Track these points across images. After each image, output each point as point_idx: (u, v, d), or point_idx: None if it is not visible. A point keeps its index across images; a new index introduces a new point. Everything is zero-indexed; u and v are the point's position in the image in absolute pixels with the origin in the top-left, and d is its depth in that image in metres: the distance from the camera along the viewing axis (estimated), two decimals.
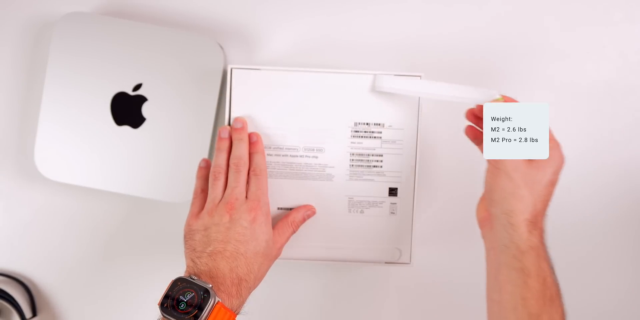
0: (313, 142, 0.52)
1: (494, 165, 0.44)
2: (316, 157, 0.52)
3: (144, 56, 0.54)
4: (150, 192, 0.54)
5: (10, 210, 0.58)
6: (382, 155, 0.52)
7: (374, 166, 0.52)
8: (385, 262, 0.52)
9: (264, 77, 0.51)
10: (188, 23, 0.57)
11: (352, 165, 0.52)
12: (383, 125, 0.52)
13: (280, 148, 0.52)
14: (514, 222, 0.42)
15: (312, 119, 0.52)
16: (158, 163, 0.54)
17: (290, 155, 0.52)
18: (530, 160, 0.43)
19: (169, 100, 0.54)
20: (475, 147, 0.57)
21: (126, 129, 0.54)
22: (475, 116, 0.49)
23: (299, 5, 0.57)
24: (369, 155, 0.52)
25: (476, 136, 0.50)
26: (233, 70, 0.51)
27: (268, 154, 0.52)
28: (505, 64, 0.58)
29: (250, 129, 0.51)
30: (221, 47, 0.54)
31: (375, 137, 0.52)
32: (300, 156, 0.52)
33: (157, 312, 0.60)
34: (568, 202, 0.58)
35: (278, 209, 0.52)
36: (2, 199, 0.58)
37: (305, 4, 0.57)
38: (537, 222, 0.43)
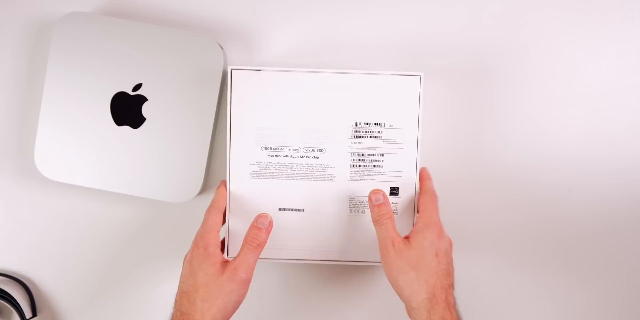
0: (314, 143, 0.52)
1: (384, 261, 0.47)
2: (317, 158, 0.52)
3: (144, 56, 0.54)
4: (150, 192, 0.54)
5: (10, 210, 0.58)
6: (382, 155, 0.52)
7: (375, 166, 0.52)
8: None
9: (264, 78, 0.51)
10: (188, 23, 0.57)
11: (353, 165, 0.52)
12: (383, 125, 0.52)
13: (281, 149, 0.52)
14: (414, 306, 0.45)
15: (313, 119, 0.52)
16: (158, 163, 0.54)
17: (291, 156, 0.52)
18: (406, 243, 0.47)
19: (169, 100, 0.54)
20: (475, 147, 0.57)
21: (126, 129, 0.54)
22: None
23: (299, 6, 0.57)
24: (369, 155, 0.52)
25: None
26: (233, 71, 0.51)
27: (269, 155, 0.52)
28: (505, 64, 0.58)
29: (251, 129, 0.52)
30: (221, 47, 0.54)
31: (375, 137, 0.52)
32: (301, 157, 0.52)
33: (156, 311, 0.60)
34: (567, 201, 0.58)
35: (279, 209, 0.52)
36: (2, 199, 0.58)
37: (305, 4, 0.57)
38: (435, 298, 0.45)
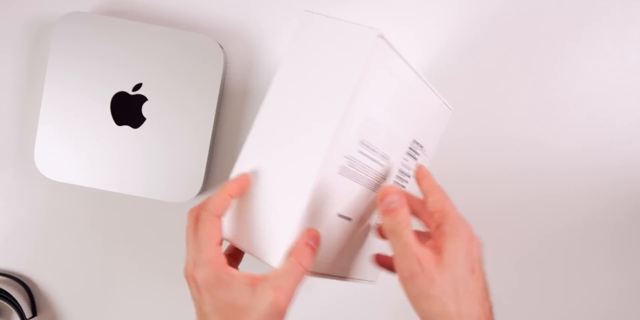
0: (387, 149, 0.43)
1: (411, 288, 0.36)
2: (382, 166, 0.44)
3: (144, 56, 0.54)
4: (150, 192, 0.54)
5: (10, 210, 0.58)
6: (410, 177, 0.48)
7: (403, 186, 0.48)
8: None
9: (400, 68, 0.41)
10: (188, 23, 0.57)
11: (396, 182, 0.47)
12: (423, 147, 0.48)
13: (367, 146, 0.41)
14: None
15: (400, 123, 0.44)
16: (158, 163, 0.54)
17: (370, 158, 0.42)
18: (437, 261, 0.36)
19: (169, 100, 0.54)
20: (475, 146, 0.57)
21: (126, 128, 0.54)
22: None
23: (299, 5, 0.57)
24: (405, 175, 0.48)
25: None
26: (380, 43, 0.38)
27: (360, 151, 0.41)
28: (505, 64, 0.58)
29: (360, 117, 0.39)
30: (221, 47, 0.54)
31: (414, 158, 0.48)
32: (375, 160, 0.43)
33: (155, 311, 0.60)
34: (567, 201, 0.58)
35: (338, 215, 0.42)
36: (2, 199, 0.58)
37: (305, 4, 0.57)
38: None
